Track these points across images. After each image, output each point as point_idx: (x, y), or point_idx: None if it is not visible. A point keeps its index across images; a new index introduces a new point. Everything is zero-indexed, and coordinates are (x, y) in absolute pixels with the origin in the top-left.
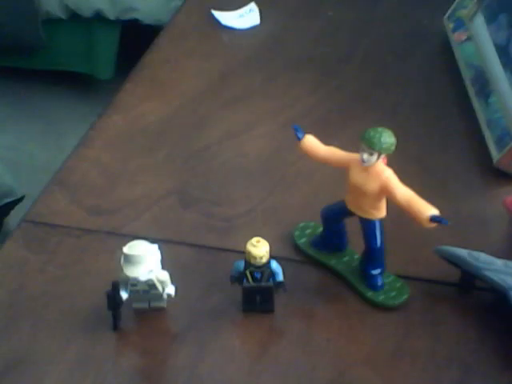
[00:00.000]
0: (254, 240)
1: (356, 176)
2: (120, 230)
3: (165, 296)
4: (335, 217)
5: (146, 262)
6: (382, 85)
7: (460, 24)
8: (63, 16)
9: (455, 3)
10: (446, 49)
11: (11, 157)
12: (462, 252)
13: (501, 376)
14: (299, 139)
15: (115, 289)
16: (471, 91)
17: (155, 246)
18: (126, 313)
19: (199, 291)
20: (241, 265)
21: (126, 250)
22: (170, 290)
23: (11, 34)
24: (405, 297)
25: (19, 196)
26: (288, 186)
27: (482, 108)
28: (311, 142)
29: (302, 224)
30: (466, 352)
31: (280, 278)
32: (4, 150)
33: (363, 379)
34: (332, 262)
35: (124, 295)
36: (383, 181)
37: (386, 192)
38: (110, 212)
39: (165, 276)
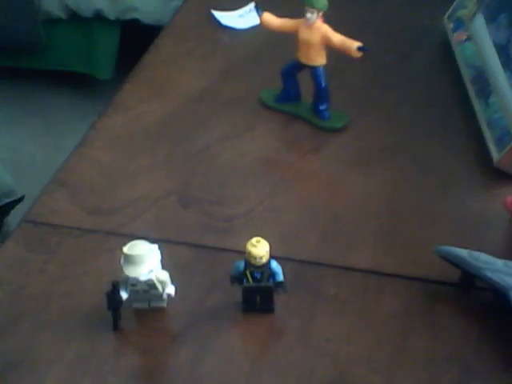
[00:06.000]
0: (254, 240)
1: (303, 34)
2: (120, 229)
3: (165, 296)
4: (291, 71)
5: (146, 261)
6: (382, 85)
7: (460, 24)
8: (63, 16)
9: (455, 3)
10: (446, 49)
11: (11, 157)
12: (462, 252)
13: (501, 376)
14: (259, 16)
15: (115, 289)
16: (471, 91)
17: (155, 246)
18: (126, 313)
19: (199, 291)
20: (241, 265)
21: (126, 250)
22: (170, 289)
23: (11, 34)
24: (346, 120)
25: (19, 196)
26: (288, 186)
27: (482, 108)
28: (268, 16)
29: (265, 90)
30: (466, 352)
31: (280, 277)
32: (4, 150)
33: (363, 379)
34: (292, 108)
35: (124, 295)
36: (323, 32)
37: (325, 40)
38: (109, 212)
39: (165, 276)
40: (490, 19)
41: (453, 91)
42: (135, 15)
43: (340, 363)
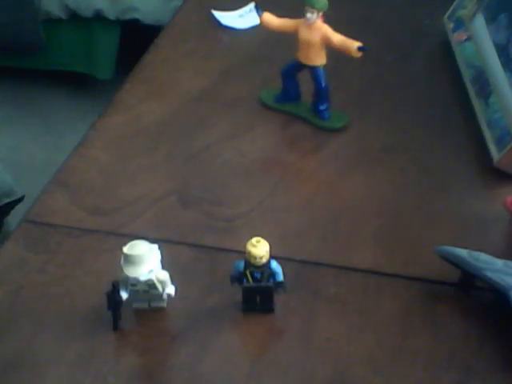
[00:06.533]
0: (254, 240)
1: (303, 34)
2: (120, 229)
3: (165, 296)
4: (291, 71)
5: (146, 261)
6: (382, 85)
7: (460, 24)
8: (63, 16)
9: (455, 3)
10: (446, 49)
11: (11, 157)
12: (462, 252)
13: (501, 376)
14: (259, 16)
15: (115, 289)
16: (471, 91)
17: (155, 246)
18: (126, 313)
19: (199, 291)
20: (241, 265)
21: (126, 250)
22: (170, 290)
23: (11, 34)
24: (346, 120)
25: (19, 196)
26: (288, 186)
27: (482, 108)
28: (268, 16)
29: (265, 90)
30: (466, 352)
31: (280, 277)
32: (4, 150)
33: (363, 379)
34: (292, 108)
35: (124, 295)
36: (323, 32)
37: (325, 40)
38: (109, 212)
39: (165, 276)
40: (490, 19)
41: (453, 91)
42: (135, 15)
43: (340, 363)
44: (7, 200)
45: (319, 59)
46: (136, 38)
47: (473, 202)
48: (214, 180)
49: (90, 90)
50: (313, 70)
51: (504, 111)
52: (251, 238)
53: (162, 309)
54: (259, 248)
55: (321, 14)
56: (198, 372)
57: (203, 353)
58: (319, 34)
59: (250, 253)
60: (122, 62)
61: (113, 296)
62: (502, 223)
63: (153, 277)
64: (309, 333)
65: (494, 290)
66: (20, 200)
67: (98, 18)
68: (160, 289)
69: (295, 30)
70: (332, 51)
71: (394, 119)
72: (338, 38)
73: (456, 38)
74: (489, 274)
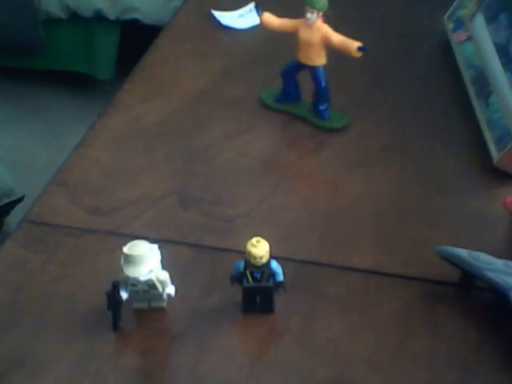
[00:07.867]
0: (254, 240)
1: (304, 34)
2: (120, 229)
3: (165, 296)
4: (291, 71)
5: (146, 261)
6: (382, 85)
7: (460, 24)
8: (63, 16)
9: (455, 3)
10: (446, 49)
11: (11, 157)
12: (462, 252)
13: (501, 376)
14: (259, 16)
15: (115, 289)
16: (471, 91)
17: (155, 246)
18: (126, 313)
19: (199, 291)
20: (241, 265)
21: (126, 250)
22: (170, 290)
23: (11, 34)
24: (346, 120)
25: (19, 196)
26: (288, 186)
27: (482, 108)
28: (268, 16)
29: (265, 90)
30: (466, 352)
31: (280, 277)
32: (4, 150)
33: (363, 379)
34: (292, 108)
35: (124, 295)
36: (323, 32)
37: (325, 40)
38: (109, 212)
39: (165, 276)
40: (490, 19)
41: (453, 91)
42: (135, 15)
43: (340, 363)
44: (7, 200)
45: (319, 59)
46: (136, 38)
47: (473, 202)
48: (214, 180)
49: (90, 90)
50: (313, 70)
51: (504, 111)
52: (251, 238)
53: (161, 309)
54: (259, 248)
55: (321, 13)
56: (198, 372)
57: (203, 353)
58: (319, 34)
59: (250, 253)
60: (122, 62)
61: (113, 296)
62: (502, 223)
63: (153, 277)
64: (309, 333)
65: (494, 289)
66: (20, 200)
67: (98, 17)
68: (160, 289)
69: (295, 30)
70: (332, 51)
71: (394, 119)
72: (337, 38)
73: (456, 37)
74: (489, 274)
